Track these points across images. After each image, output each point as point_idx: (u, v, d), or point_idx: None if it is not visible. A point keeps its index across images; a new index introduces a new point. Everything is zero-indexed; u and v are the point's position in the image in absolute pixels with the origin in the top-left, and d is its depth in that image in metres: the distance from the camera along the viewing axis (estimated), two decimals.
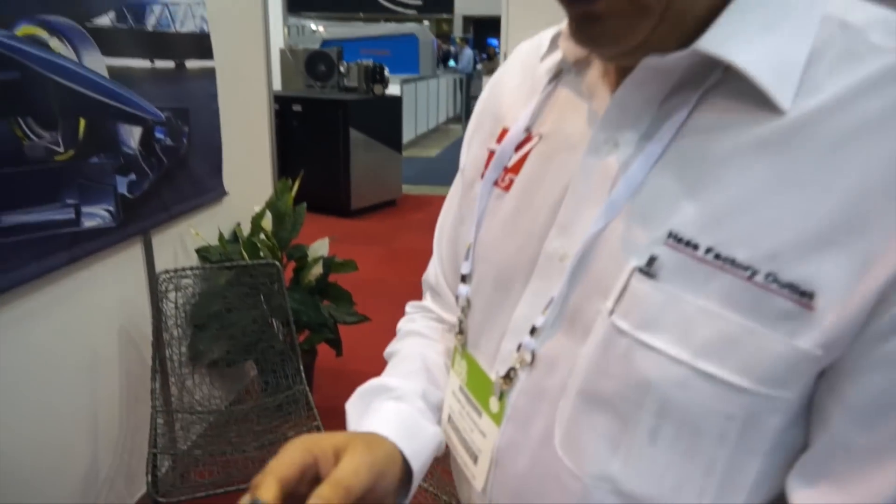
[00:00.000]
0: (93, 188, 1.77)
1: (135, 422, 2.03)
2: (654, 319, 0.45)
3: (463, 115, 11.80)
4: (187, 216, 2.29)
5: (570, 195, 0.52)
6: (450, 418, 0.66)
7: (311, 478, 0.50)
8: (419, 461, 0.60)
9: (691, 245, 0.44)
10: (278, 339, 2.16)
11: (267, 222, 2.47)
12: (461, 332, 0.63)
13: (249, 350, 2.15)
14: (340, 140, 5.37)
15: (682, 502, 0.46)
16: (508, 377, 0.55)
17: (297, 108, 5.42)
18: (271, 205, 2.51)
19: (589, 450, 0.48)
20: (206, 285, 2.12)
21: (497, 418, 0.57)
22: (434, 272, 0.79)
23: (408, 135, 8.12)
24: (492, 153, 0.62)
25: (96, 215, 1.79)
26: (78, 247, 1.72)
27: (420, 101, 9.24)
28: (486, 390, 0.59)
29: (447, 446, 0.67)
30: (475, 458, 0.60)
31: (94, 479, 1.88)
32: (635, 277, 0.46)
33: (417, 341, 0.76)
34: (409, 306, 0.85)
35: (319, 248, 2.56)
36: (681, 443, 0.45)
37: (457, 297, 0.64)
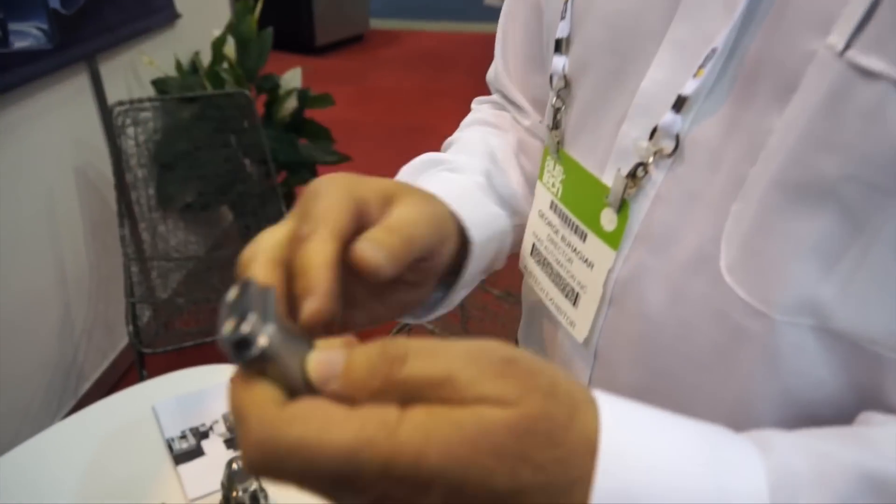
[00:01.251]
0: (18, 1, 1.47)
1: (107, 272, 1.87)
2: None
3: None
4: (136, 41, 1.99)
5: None
6: (533, 249, 0.51)
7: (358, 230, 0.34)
8: (481, 235, 0.44)
9: None
10: (254, 181, 1.97)
11: (230, 49, 2.17)
12: (555, 125, 0.47)
13: (224, 192, 1.96)
14: None
15: None
16: (634, 177, 0.40)
17: None
18: (232, 28, 2.19)
19: (783, 270, 0.33)
20: (169, 120, 1.87)
21: (614, 238, 0.42)
22: (495, 68, 0.60)
23: None
24: None
25: (27, 34, 1.51)
26: (10, 72, 1.46)
27: None
28: (594, 201, 0.43)
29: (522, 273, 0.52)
30: (575, 298, 0.46)
31: (69, 332, 1.76)
32: None
33: (481, 128, 0.59)
34: (475, 102, 0.67)
35: (292, 79, 2.29)
36: None
37: (550, 78, 0.46)
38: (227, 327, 0.23)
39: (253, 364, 0.23)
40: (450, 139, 0.60)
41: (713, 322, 0.37)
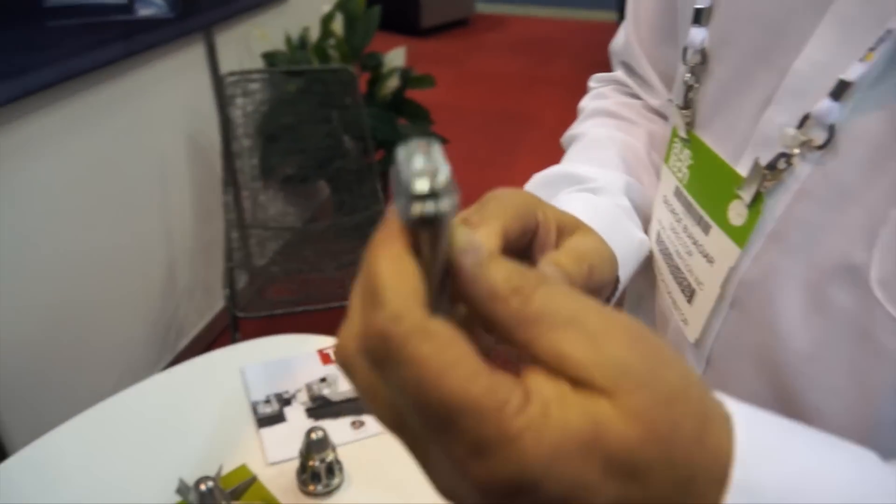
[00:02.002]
0: None
1: (209, 236, 1.96)
2: None
3: None
4: (251, 14, 2.05)
5: None
6: (658, 237, 0.47)
7: (523, 245, 0.33)
8: (627, 271, 0.42)
9: None
10: (352, 157, 1.99)
11: (337, 26, 2.20)
12: (686, 104, 0.42)
13: (322, 166, 1.99)
14: None
15: None
16: (774, 168, 0.35)
17: None
18: (341, 5, 2.22)
19: None
20: (275, 93, 1.92)
21: (741, 234, 0.37)
22: (624, 36, 0.56)
23: None
24: None
25: (151, 3, 1.58)
26: (133, 39, 1.53)
27: None
28: (723, 192, 0.38)
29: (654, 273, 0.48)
30: (690, 295, 0.42)
31: (171, 290, 1.85)
32: None
33: (607, 122, 0.55)
34: (594, 80, 0.63)
35: (395, 57, 2.30)
36: None
37: (684, 52, 0.42)
38: (418, 169, 0.20)
39: (423, 223, 0.20)
40: (572, 132, 0.57)
41: (853, 341, 0.32)
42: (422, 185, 0.19)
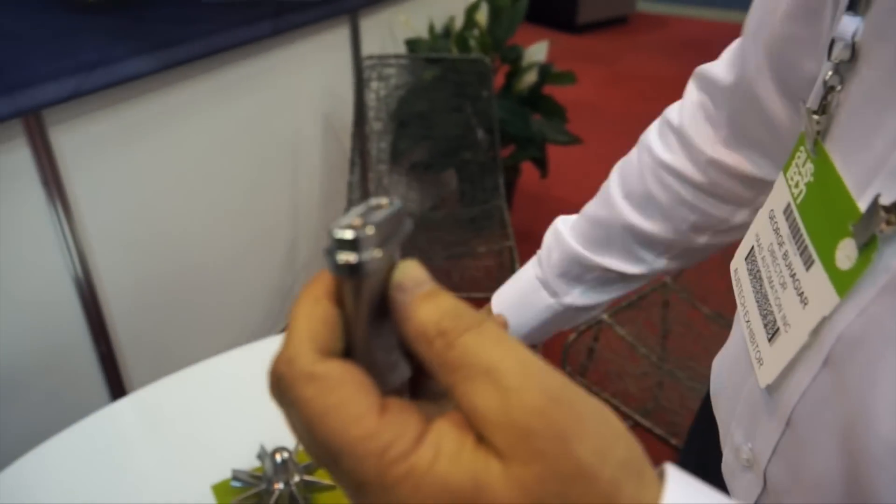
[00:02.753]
0: None
1: (333, 214, 2.02)
2: None
3: None
4: (397, 1, 2.07)
5: None
6: (750, 253, 0.39)
7: None
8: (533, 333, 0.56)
9: None
10: (481, 150, 1.96)
11: (482, 16, 2.18)
12: (822, 108, 0.34)
13: (450, 157, 1.99)
14: None
15: None
16: None
17: None
18: None
19: None
20: (411, 79, 1.94)
21: (844, 281, 0.29)
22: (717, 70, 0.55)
23: None
24: None
25: None
26: (282, 18, 1.60)
27: None
28: (838, 224, 0.30)
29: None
30: (773, 333, 0.34)
31: (292, 264, 1.93)
32: None
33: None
34: (696, 74, 0.58)
35: (536, 52, 2.24)
36: None
37: (830, 46, 0.34)
38: (345, 220, 0.21)
39: (342, 271, 0.21)
40: (616, 167, 0.64)
41: None
42: (344, 235, 0.20)
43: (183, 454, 0.85)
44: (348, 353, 0.22)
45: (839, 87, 0.34)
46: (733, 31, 0.54)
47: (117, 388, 1.43)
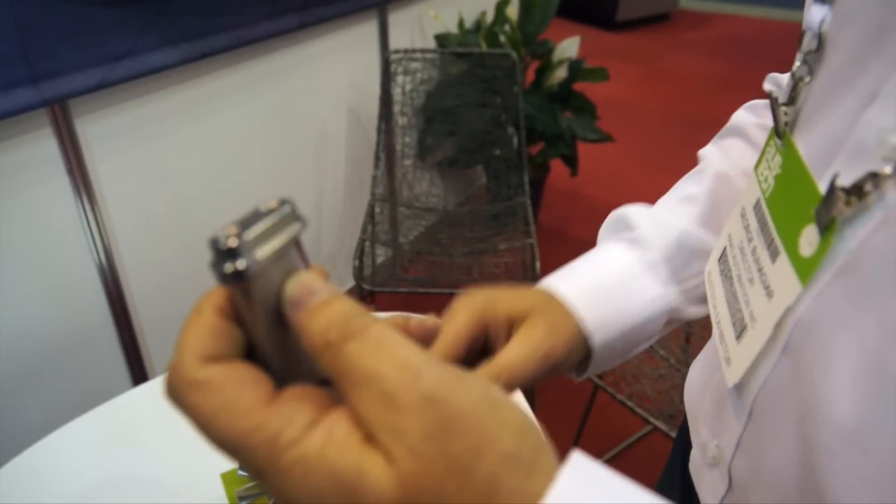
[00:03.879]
0: None
1: (357, 208, 2.02)
2: None
3: None
4: None
5: None
6: (723, 255, 0.38)
7: (479, 347, 0.40)
8: (607, 335, 0.43)
9: None
10: (509, 146, 1.94)
11: (513, 11, 2.16)
12: (791, 99, 0.33)
13: (477, 153, 1.97)
14: None
15: None
16: (859, 192, 0.25)
17: None
18: None
19: None
20: (437, 74, 1.93)
21: (806, 268, 0.28)
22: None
23: None
24: None
25: None
26: (309, 12, 1.61)
27: None
28: (801, 212, 0.29)
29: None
30: (741, 331, 0.33)
31: (316, 256, 1.94)
32: None
33: (735, 145, 0.53)
34: (769, 80, 0.54)
35: (568, 48, 2.21)
36: None
37: (800, 37, 0.33)
38: (222, 229, 0.21)
39: (226, 280, 0.21)
40: (702, 152, 0.55)
41: None
42: (220, 244, 0.21)
43: (195, 442, 0.86)
44: (252, 358, 0.23)
45: (807, 79, 0.33)
46: (778, 29, 0.52)
47: (139, 374, 1.46)
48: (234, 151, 1.56)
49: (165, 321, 1.50)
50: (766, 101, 0.52)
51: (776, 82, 0.52)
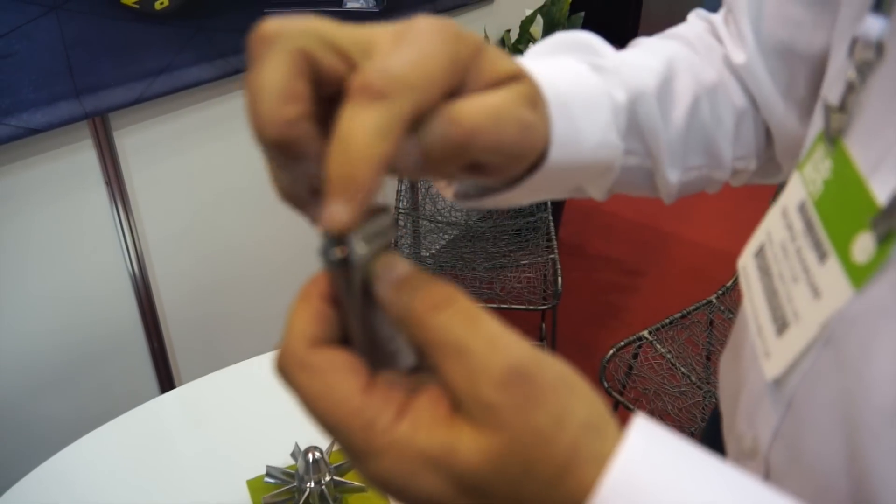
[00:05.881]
0: None
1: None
2: None
3: None
4: (454, 13, 2.10)
5: None
6: (760, 250, 0.39)
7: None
8: (560, 154, 0.33)
9: None
10: None
11: (536, 30, 2.18)
12: (842, 106, 0.34)
13: None
14: None
15: None
16: None
17: None
18: (544, 10, 2.20)
19: None
20: None
21: (860, 274, 0.29)
22: None
23: None
24: None
25: None
26: None
27: None
28: (855, 218, 0.30)
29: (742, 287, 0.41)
30: (782, 327, 0.34)
31: None
32: None
33: (675, 46, 0.48)
34: (694, 14, 0.54)
35: None
36: None
37: (852, 44, 0.33)
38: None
39: (332, 266, 0.23)
40: (633, 42, 0.49)
41: None
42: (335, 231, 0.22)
43: (221, 448, 0.88)
44: (349, 343, 0.25)
45: (859, 87, 0.33)
46: None
47: (166, 381, 1.48)
48: (263, 165, 1.59)
49: (192, 329, 1.53)
50: (718, 16, 0.50)
51: (703, 16, 0.52)
